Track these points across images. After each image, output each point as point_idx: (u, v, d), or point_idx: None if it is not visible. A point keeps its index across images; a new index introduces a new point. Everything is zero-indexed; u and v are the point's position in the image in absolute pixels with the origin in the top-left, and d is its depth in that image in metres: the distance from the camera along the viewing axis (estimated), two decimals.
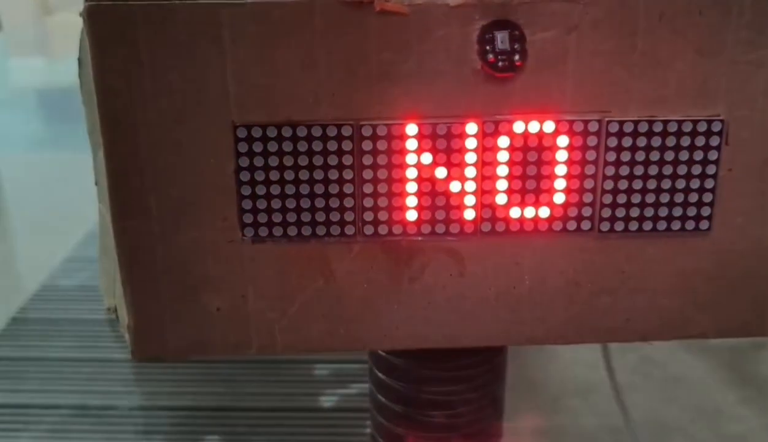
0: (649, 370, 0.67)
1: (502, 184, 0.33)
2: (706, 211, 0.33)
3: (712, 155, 0.33)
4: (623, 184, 0.33)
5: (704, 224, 0.33)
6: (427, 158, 0.32)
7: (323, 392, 0.60)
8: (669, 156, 0.33)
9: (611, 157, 0.32)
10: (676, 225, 0.34)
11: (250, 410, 0.57)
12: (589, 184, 0.33)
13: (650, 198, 0.33)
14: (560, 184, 0.33)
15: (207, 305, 0.34)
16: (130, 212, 0.32)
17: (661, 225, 0.34)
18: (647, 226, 0.33)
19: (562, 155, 0.32)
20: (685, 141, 0.32)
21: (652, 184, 0.33)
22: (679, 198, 0.33)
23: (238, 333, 0.34)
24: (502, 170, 0.33)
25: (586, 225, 0.33)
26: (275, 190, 0.32)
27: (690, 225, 0.34)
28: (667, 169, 0.33)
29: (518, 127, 0.32)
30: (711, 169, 0.33)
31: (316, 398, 0.59)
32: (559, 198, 0.33)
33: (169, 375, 0.59)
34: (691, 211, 0.33)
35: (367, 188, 0.33)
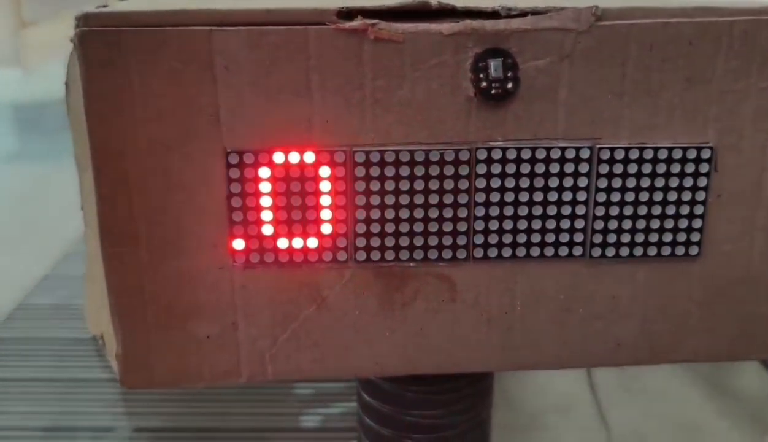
0: (629, 384, 0.68)
1: (494, 211, 0.33)
2: (695, 236, 0.34)
3: (702, 182, 0.33)
4: (614, 211, 0.33)
5: (693, 250, 0.34)
6: (419, 184, 0.32)
7: (308, 412, 0.59)
8: (659, 182, 0.33)
9: (602, 183, 0.33)
10: (666, 251, 0.34)
11: (233, 430, 0.56)
12: (580, 210, 0.33)
13: (641, 224, 0.33)
14: (552, 210, 0.33)
15: (196, 333, 0.33)
16: (118, 239, 0.32)
17: (652, 251, 0.34)
18: (638, 251, 0.34)
19: (553, 182, 0.32)
20: (675, 168, 0.33)
21: (642, 211, 0.33)
22: (668, 224, 0.33)
23: (228, 362, 0.34)
24: (494, 196, 0.33)
25: (577, 251, 0.34)
26: (267, 216, 0.32)
27: (680, 251, 0.34)
28: (657, 196, 0.33)
29: (510, 154, 0.32)
30: (700, 196, 0.33)
31: (301, 418, 0.59)
32: (550, 224, 0.33)
33: (149, 395, 0.58)
34: (681, 237, 0.34)
35: (360, 214, 0.32)
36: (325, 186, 0.32)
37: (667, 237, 0.34)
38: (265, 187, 0.32)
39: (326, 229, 0.33)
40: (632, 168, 0.33)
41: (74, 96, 0.32)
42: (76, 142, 0.35)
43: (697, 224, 0.33)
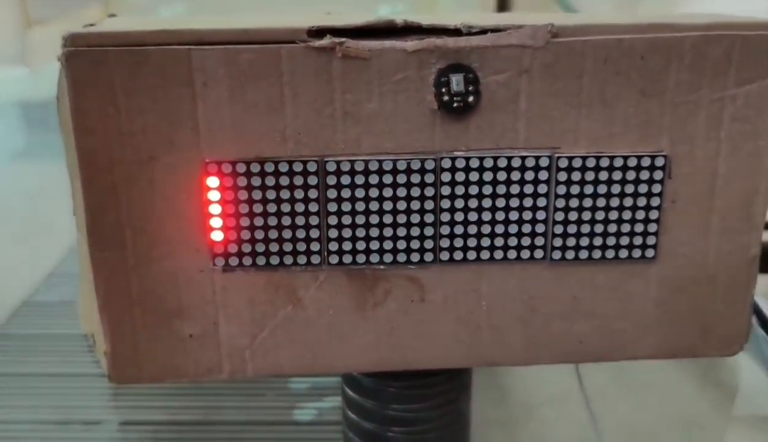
0: (622, 377, 0.69)
1: (459, 216, 0.35)
2: (651, 240, 0.35)
3: (656, 188, 0.35)
4: (573, 216, 0.35)
5: (650, 253, 0.36)
6: (388, 192, 0.34)
7: (301, 405, 0.61)
8: (615, 189, 0.35)
9: (561, 190, 0.34)
10: (623, 254, 0.36)
11: (228, 423, 0.58)
12: (540, 215, 0.35)
13: (599, 228, 0.35)
14: (513, 215, 0.35)
15: (180, 332, 0.35)
16: (106, 245, 0.34)
17: (610, 254, 0.36)
18: (596, 254, 0.36)
19: (514, 189, 0.34)
20: (631, 175, 0.34)
21: (600, 216, 0.35)
22: (625, 228, 0.35)
23: (210, 358, 0.36)
24: (459, 203, 0.34)
25: (539, 254, 0.35)
26: (244, 222, 0.34)
27: (636, 254, 0.36)
28: (614, 202, 0.35)
29: (473, 162, 0.34)
30: (655, 202, 0.35)
31: (294, 411, 0.60)
32: (513, 229, 0.35)
33: (148, 390, 0.60)
34: (637, 241, 0.35)
35: (332, 220, 0.34)
36: (298, 193, 0.34)
37: (624, 241, 0.35)
38: (242, 194, 0.34)
39: (300, 233, 0.35)
40: (589, 175, 0.34)
41: (64, 109, 0.34)
42: (67, 152, 0.37)
43: (652, 228, 0.35)
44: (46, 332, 0.72)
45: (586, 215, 0.35)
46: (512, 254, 0.35)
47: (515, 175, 0.34)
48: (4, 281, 0.91)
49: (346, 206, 0.34)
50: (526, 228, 0.35)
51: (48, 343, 0.70)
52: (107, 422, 0.58)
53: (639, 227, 0.35)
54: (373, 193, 0.34)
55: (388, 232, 0.35)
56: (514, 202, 0.35)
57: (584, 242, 0.35)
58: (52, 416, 0.59)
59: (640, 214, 0.35)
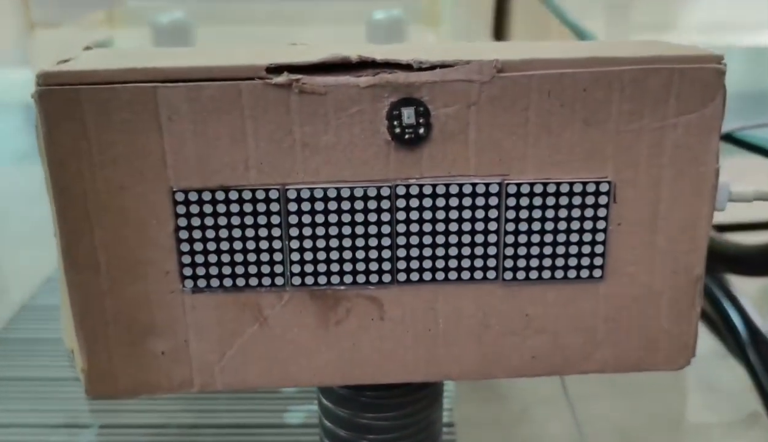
0: (612, 378, 0.71)
1: (414, 240, 0.37)
2: (598, 261, 0.37)
3: (602, 212, 0.36)
4: (523, 239, 0.37)
5: (597, 273, 0.37)
6: (346, 217, 0.36)
7: (290, 408, 0.63)
8: (563, 213, 0.36)
9: (511, 215, 0.36)
10: (572, 274, 0.37)
11: (218, 426, 0.60)
12: (492, 238, 0.37)
13: (548, 250, 0.37)
14: (466, 239, 0.37)
15: (153, 350, 0.37)
16: (81, 269, 0.36)
17: (559, 274, 0.37)
18: (546, 274, 0.37)
19: (466, 214, 0.36)
20: (577, 200, 0.36)
21: (548, 238, 0.37)
22: (573, 250, 0.37)
23: (182, 374, 0.38)
24: (414, 227, 0.36)
25: (491, 274, 0.37)
26: (211, 246, 0.36)
27: (584, 273, 0.37)
28: (562, 225, 0.37)
29: (427, 189, 0.36)
30: (601, 225, 0.37)
31: (284, 414, 0.63)
32: (465, 251, 0.37)
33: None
34: (585, 262, 0.37)
35: (294, 244, 0.36)
36: (261, 219, 0.36)
37: (573, 261, 0.37)
38: (208, 221, 0.36)
39: (264, 257, 0.37)
40: (537, 201, 0.36)
41: (41, 138, 0.36)
42: (46, 177, 0.39)
43: (599, 249, 0.37)
44: (46, 336, 0.74)
45: (536, 238, 0.37)
46: (466, 275, 0.37)
47: (467, 201, 0.36)
48: (5, 284, 0.93)
49: (307, 231, 0.36)
50: (479, 250, 0.37)
51: (47, 347, 0.72)
52: (104, 426, 0.60)
53: (586, 249, 0.37)
54: (332, 218, 0.36)
55: (347, 255, 0.37)
56: (467, 226, 0.36)
57: (534, 262, 0.37)
58: (52, 419, 0.61)
59: (587, 237, 0.37)
